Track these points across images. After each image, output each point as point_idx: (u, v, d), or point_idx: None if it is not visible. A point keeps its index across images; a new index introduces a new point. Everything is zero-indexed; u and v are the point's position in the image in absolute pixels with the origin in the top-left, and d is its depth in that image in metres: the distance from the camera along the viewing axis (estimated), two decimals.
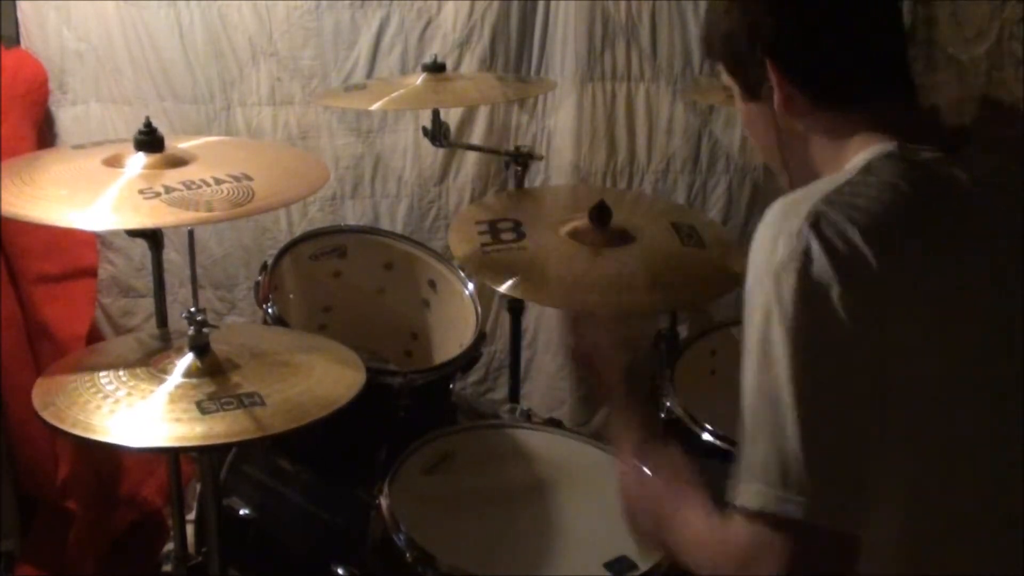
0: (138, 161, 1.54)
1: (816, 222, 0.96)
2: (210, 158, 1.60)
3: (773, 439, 0.94)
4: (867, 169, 1.02)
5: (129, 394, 1.38)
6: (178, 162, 1.56)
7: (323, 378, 1.47)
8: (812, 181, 1.09)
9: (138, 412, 1.34)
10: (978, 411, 1.00)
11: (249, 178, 1.51)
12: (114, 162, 1.55)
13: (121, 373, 1.43)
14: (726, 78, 1.16)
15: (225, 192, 1.45)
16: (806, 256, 0.96)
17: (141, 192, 1.44)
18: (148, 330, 2.25)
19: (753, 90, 1.12)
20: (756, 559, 0.94)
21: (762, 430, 0.95)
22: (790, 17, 1.07)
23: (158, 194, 1.43)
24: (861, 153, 1.06)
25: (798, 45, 1.08)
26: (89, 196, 1.44)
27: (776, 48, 1.07)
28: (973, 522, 1.01)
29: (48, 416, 1.33)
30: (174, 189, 1.45)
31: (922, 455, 0.98)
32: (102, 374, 1.42)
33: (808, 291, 0.95)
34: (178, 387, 1.40)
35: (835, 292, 0.95)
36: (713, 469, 1.69)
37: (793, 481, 0.92)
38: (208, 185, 1.47)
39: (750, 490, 0.94)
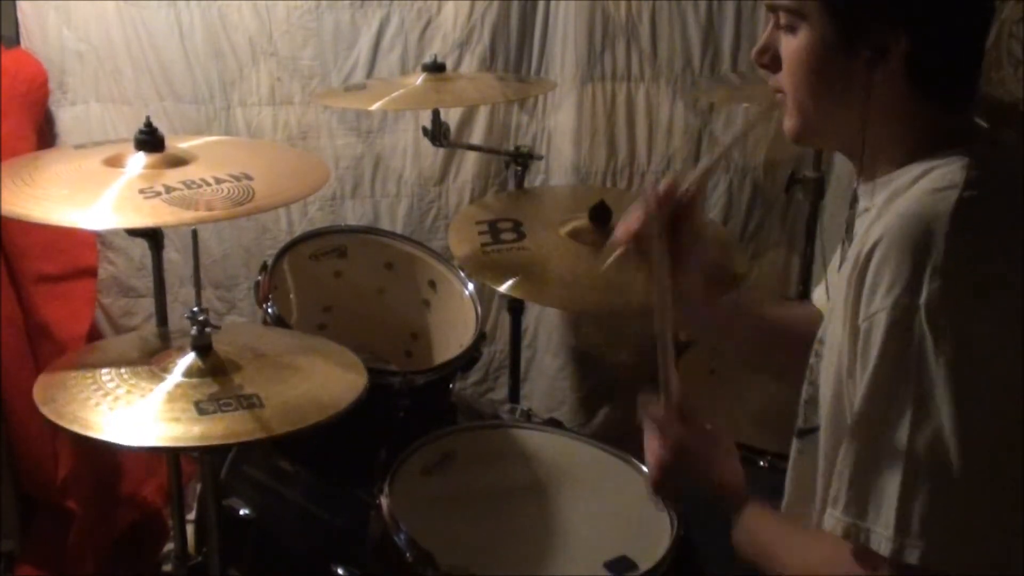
0: (138, 161, 1.55)
1: (961, 252, 0.94)
2: (210, 158, 1.60)
3: (937, 494, 0.94)
4: (977, 182, 1.00)
5: (129, 392, 1.38)
6: (178, 162, 1.56)
7: (323, 381, 1.47)
8: (831, 143, 1.13)
9: (137, 410, 1.34)
10: None
11: (249, 177, 1.51)
12: (115, 162, 1.55)
13: (122, 371, 1.43)
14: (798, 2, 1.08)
15: (225, 191, 1.46)
16: (959, 291, 0.94)
17: (142, 192, 1.44)
18: (150, 329, 2.26)
19: (852, 45, 1.05)
20: None
21: (920, 483, 0.94)
22: (942, 4, 1.04)
23: (158, 193, 1.43)
24: (928, 159, 1.04)
25: (939, 32, 1.04)
26: (90, 196, 1.44)
27: (920, 26, 1.03)
28: None
29: (48, 412, 1.33)
30: (174, 189, 1.45)
31: None
32: (103, 371, 1.43)
33: (969, 332, 0.94)
34: (177, 386, 1.40)
35: (992, 327, 0.94)
36: None
37: (962, 541, 0.93)
38: (208, 185, 1.47)
39: (913, 547, 0.94)
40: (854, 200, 1.18)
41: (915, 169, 1.05)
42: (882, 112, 1.07)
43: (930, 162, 1.04)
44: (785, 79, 1.13)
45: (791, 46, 1.11)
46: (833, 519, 1.01)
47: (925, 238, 0.96)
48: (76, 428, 1.30)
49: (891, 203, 1.05)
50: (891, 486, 0.95)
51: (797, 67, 1.11)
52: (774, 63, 1.14)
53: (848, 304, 1.02)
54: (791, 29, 1.10)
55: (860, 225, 1.13)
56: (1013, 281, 0.97)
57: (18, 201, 1.42)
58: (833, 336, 1.11)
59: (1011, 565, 0.97)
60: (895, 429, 0.96)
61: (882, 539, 0.96)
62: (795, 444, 1.23)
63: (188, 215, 1.39)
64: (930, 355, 0.94)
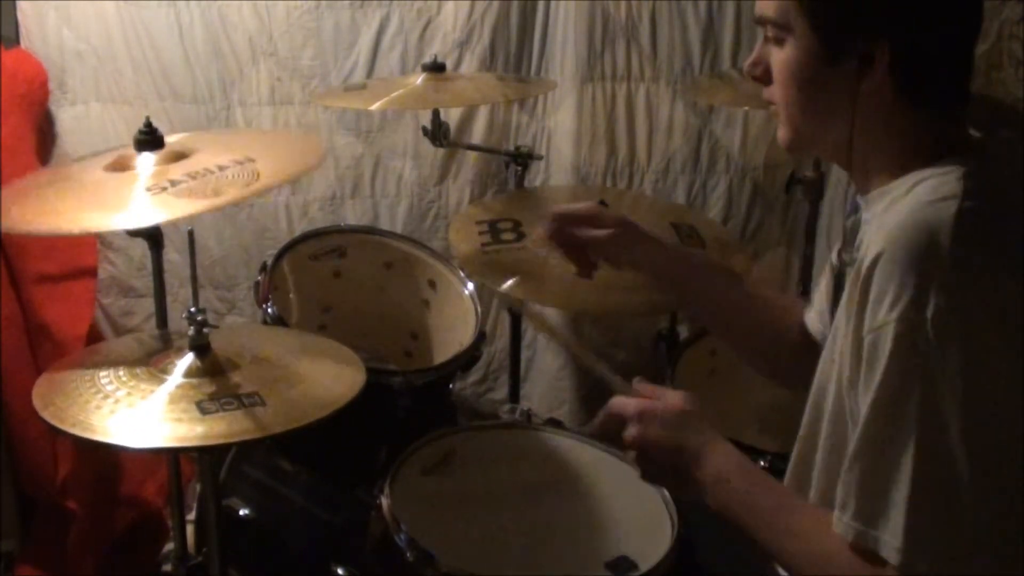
0: (140, 161, 1.54)
1: (965, 265, 0.94)
2: (209, 147, 1.59)
3: (943, 507, 0.94)
4: (975, 192, 0.99)
5: (129, 394, 1.38)
6: (179, 156, 1.56)
7: (323, 379, 1.47)
8: (825, 153, 1.12)
9: (138, 412, 1.34)
10: None
11: (252, 160, 1.51)
12: (117, 166, 1.55)
13: (121, 373, 1.43)
14: (780, 13, 1.09)
15: (230, 176, 1.45)
16: (965, 305, 0.94)
17: (148, 190, 1.44)
18: (148, 330, 2.25)
19: (836, 56, 1.06)
20: None
21: (927, 496, 0.95)
22: (924, 11, 1.04)
23: (164, 188, 1.43)
24: (924, 167, 1.04)
25: (921, 39, 1.04)
26: (97, 200, 1.44)
27: (901, 34, 1.03)
28: None
29: (48, 416, 1.33)
30: (179, 181, 1.44)
31: None
32: (102, 373, 1.42)
33: (975, 345, 0.94)
34: (178, 387, 1.40)
35: (998, 340, 0.94)
36: None
37: (967, 554, 0.94)
38: (213, 172, 1.46)
39: (922, 557, 0.95)
40: (854, 209, 1.18)
41: (910, 179, 1.05)
42: (871, 122, 1.08)
43: (925, 171, 1.04)
44: (776, 91, 1.15)
45: (779, 58, 1.12)
46: (843, 524, 1.01)
47: (929, 251, 0.96)
48: (77, 431, 1.30)
49: (888, 213, 1.05)
50: (900, 495, 0.96)
51: (786, 79, 1.12)
52: (766, 75, 1.15)
53: (851, 315, 1.02)
54: (779, 41, 1.11)
55: (862, 235, 1.14)
56: (1016, 292, 0.97)
57: (28, 218, 1.42)
58: (833, 344, 1.11)
59: None
60: (904, 440, 0.96)
61: (891, 548, 0.97)
62: (796, 449, 1.23)
63: (200, 204, 1.38)
64: (937, 368, 0.94)
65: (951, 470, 0.94)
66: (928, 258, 0.95)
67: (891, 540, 0.97)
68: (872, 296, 0.98)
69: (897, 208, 1.03)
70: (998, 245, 0.99)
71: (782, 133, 1.17)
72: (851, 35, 1.05)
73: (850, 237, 1.19)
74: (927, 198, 1.01)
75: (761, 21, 1.13)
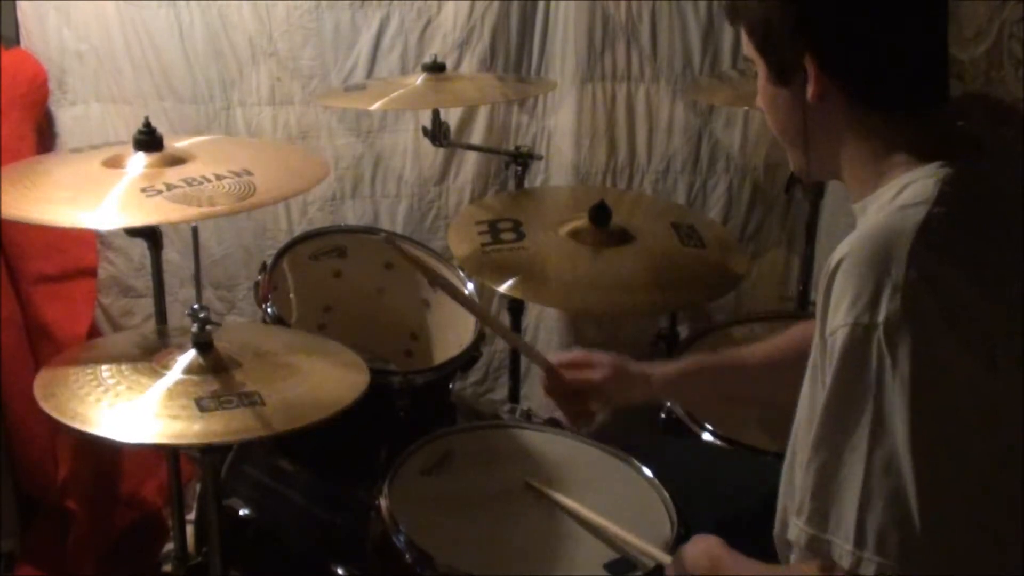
0: (138, 161, 1.55)
1: (922, 271, 0.93)
2: (209, 155, 1.60)
3: (891, 510, 0.93)
4: (949, 197, 0.99)
5: (129, 388, 1.38)
6: (178, 160, 1.56)
7: (325, 380, 1.47)
8: (831, 172, 1.11)
9: (138, 407, 1.34)
10: None
11: (250, 173, 1.51)
12: (114, 163, 1.55)
13: (123, 367, 1.43)
14: (748, 50, 1.13)
15: (227, 187, 1.46)
16: (919, 311, 0.93)
17: (143, 191, 1.44)
18: (151, 326, 2.25)
19: (783, 75, 1.09)
20: None
21: (875, 498, 0.94)
22: (838, 14, 1.04)
23: (160, 192, 1.43)
24: (910, 170, 1.04)
25: (844, 44, 1.05)
26: (93, 197, 1.44)
27: (820, 43, 1.05)
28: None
29: (49, 408, 1.33)
30: (176, 186, 1.45)
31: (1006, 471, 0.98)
32: (104, 368, 1.43)
33: (927, 352, 0.93)
34: (178, 383, 1.40)
35: (951, 347, 0.93)
36: (713, 468, 1.70)
37: (915, 556, 0.93)
38: (209, 181, 1.47)
39: (870, 561, 0.94)
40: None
41: (896, 184, 1.05)
42: (834, 130, 1.09)
43: (912, 174, 1.04)
44: (768, 123, 1.18)
45: (758, 90, 1.15)
46: (797, 529, 1.01)
47: (887, 254, 0.95)
48: (76, 424, 1.30)
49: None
50: (850, 500, 0.96)
51: (766, 108, 1.16)
52: None
53: (819, 316, 1.02)
54: (756, 74, 1.14)
55: None
56: (977, 303, 0.96)
57: (22, 204, 1.42)
58: (814, 349, 1.11)
59: None
60: (853, 444, 0.96)
61: (843, 551, 0.96)
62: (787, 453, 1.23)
63: (192, 211, 1.39)
64: (887, 374, 0.93)
65: (898, 474, 0.93)
66: (885, 262, 0.94)
67: (843, 544, 0.96)
68: (833, 298, 0.98)
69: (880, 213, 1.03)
70: (964, 253, 0.98)
71: (791, 163, 1.19)
72: (783, 51, 1.08)
73: None
74: (902, 203, 1.00)
75: (746, 60, 1.17)
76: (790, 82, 1.08)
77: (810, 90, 1.06)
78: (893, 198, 1.03)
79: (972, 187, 1.02)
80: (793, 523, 1.02)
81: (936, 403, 0.93)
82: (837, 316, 0.97)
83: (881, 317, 0.93)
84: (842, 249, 1.00)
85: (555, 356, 1.56)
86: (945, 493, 0.94)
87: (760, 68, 1.12)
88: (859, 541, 0.95)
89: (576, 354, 1.55)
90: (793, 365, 1.28)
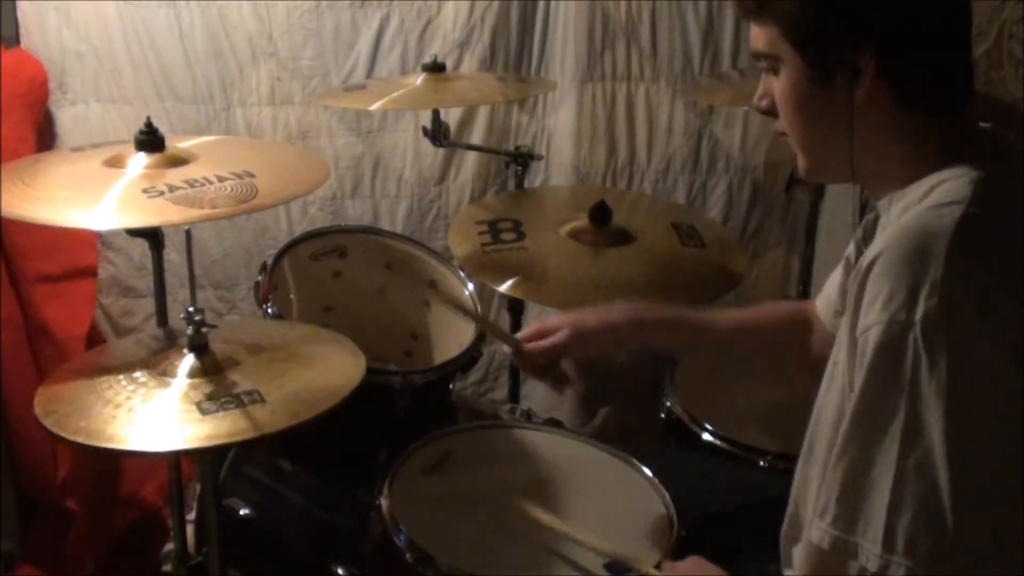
0: (140, 161, 1.54)
1: (959, 270, 0.93)
2: (211, 157, 1.60)
3: (923, 512, 0.93)
4: (983, 198, 0.99)
5: (129, 399, 1.37)
6: (180, 161, 1.56)
7: (323, 370, 1.46)
8: (843, 174, 1.10)
9: (143, 417, 1.34)
10: None
11: (251, 175, 1.51)
12: (115, 163, 1.55)
13: (121, 378, 1.42)
14: (771, 47, 1.10)
15: (228, 189, 1.46)
16: (956, 310, 0.92)
17: (145, 192, 1.44)
18: (147, 331, 2.25)
19: (827, 75, 1.07)
20: None
21: (907, 501, 0.94)
22: (903, 13, 1.03)
23: (162, 193, 1.43)
24: (939, 169, 1.04)
25: (908, 45, 1.04)
26: (93, 197, 1.44)
27: (883, 43, 1.03)
28: None
29: (51, 425, 1.31)
30: (178, 188, 1.45)
31: None
32: (102, 380, 1.41)
33: (963, 351, 0.92)
34: (179, 389, 1.39)
35: (985, 347, 0.93)
36: (713, 469, 1.70)
37: (945, 559, 0.93)
38: (211, 183, 1.47)
39: (899, 564, 0.94)
40: (864, 208, 1.18)
41: (926, 183, 1.05)
42: (876, 131, 1.08)
43: (943, 173, 1.04)
44: (782, 121, 1.15)
45: (778, 88, 1.13)
46: (820, 531, 1.00)
47: (925, 253, 0.95)
48: (80, 439, 1.29)
49: (902, 217, 1.05)
50: (880, 502, 0.95)
51: (787, 107, 1.13)
52: (773, 108, 1.16)
53: (849, 316, 1.02)
54: (775, 72, 1.12)
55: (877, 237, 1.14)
56: (1007, 303, 0.96)
57: (22, 203, 1.42)
58: (838, 347, 1.11)
59: None
60: (885, 445, 0.95)
61: (870, 554, 0.96)
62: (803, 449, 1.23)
63: (193, 213, 1.39)
64: (923, 373, 0.93)
65: (932, 475, 0.93)
66: (923, 261, 0.94)
67: (870, 547, 0.95)
68: (867, 296, 0.98)
69: (909, 212, 1.03)
70: (998, 254, 0.98)
71: (800, 163, 1.17)
72: (834, 51, 1.05)
73: (870, 235, 1.18)
74: (935, 202, 1.00)
75: (756, 56, 1.14)
76: (831, 81, 1.06)
77: (861, 90, 1.05)
78: (923, 197, 1.03)
79: (1002, 189, 1.02)
80: (816, 525, 1.01)
81: (971, 404, 0.93)
82: (871, 314, 0.96)
83: (919, 315, 0.93)
84: (874, 249, 0.99)
85: (517, 335, 1.56)
86: (978, 495, 0.93)
87: (790, 67, 1.09)
88: (888, 544, 0.94)
89: (534, 325, 1.54)
90: (758, 336, 1.40)
